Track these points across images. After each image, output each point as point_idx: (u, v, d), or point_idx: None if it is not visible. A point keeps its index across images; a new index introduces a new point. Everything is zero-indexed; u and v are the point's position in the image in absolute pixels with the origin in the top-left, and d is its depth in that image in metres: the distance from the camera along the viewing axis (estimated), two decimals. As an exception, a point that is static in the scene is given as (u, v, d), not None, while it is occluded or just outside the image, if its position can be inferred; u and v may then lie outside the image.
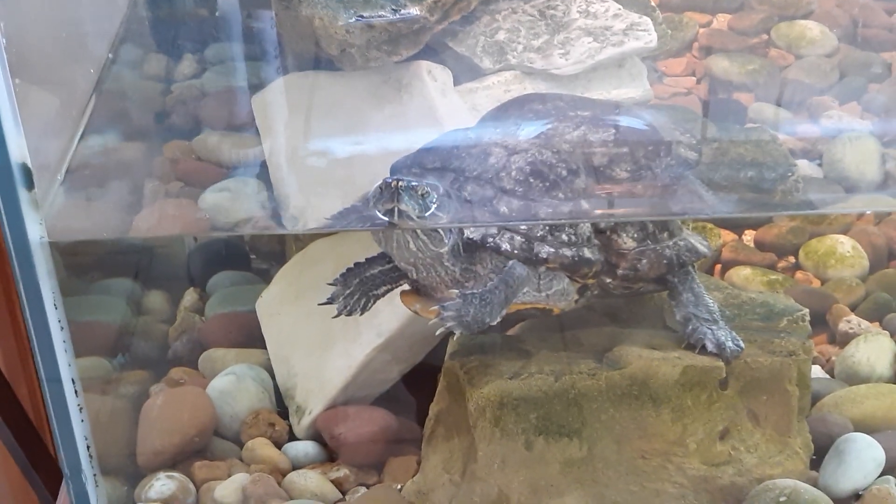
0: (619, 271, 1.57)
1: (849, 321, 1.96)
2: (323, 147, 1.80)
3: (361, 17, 1.73)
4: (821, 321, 2.00)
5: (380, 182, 1.43)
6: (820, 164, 1.91)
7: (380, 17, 1.73)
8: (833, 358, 1.92)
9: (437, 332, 1.49)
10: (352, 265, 1.59)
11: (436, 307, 1.49)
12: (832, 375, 1.90)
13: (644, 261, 1.57)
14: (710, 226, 2.09)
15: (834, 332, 1.98)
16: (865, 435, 1.70)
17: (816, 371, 1.89)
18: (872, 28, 2.24)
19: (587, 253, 1.53)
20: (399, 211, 1.41)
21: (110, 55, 1.80)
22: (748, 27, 2.25)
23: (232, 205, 1.78)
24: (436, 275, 1.53)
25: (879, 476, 1.67)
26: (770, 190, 1.65)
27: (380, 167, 1.70)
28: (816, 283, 2.10)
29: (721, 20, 2.29)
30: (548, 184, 1.50)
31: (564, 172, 1.51)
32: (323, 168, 1.77)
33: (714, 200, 1.61)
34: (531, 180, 1.50)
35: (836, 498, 1.64)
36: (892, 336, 1.93)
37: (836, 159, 1.88)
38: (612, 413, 1.55)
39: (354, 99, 1.80)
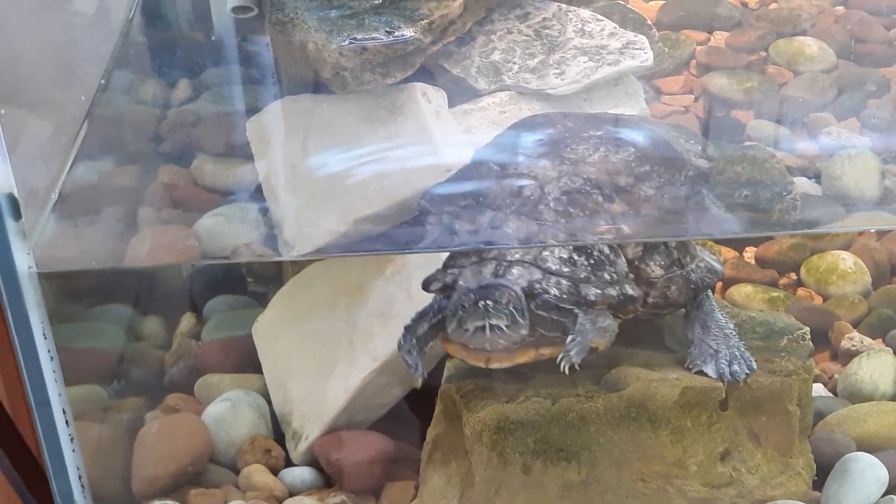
0: (650, 300, 1.57)
1: (851, 338, 1.95)
2: (317, 171, 1.79)
3: (355, 39, 1.72)
4: (823, 338, 1.98)
5: (457, 297, 1.49)
6: (819, 182, 1.90)
7: (373, 39, 1.72)
8: (836, 376, 1.90)
9: (564, 368, 1.48)
10: (403, 330, 1.58)
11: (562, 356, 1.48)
12: (835, 393, 1.88)
13: (673, 287, 1.57)
14: (709, 243, 2.08)
15: (836, 349, 1.96)
16: (868, 454, 1.68)
17: (819, 389, 1.87)
18: (871, 43, 2.23)
19: (629, 290, 1.54)
20: (491, 326, 1.46)
21: (103, 81, 1.79)
22: (746, 44, 2.24)
23: (227, 231, 1.76)
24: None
25: (883, 496, 1.65)
26: (767, 209, 1.64)
27: (374, 190, 1.69)
28: (818, 300, 2.08)
29: (718, 38, 2.28)
30: (588, 212, 1.51)
31: (600, 198, 1.51)
32: (316, 192, 1.76)
33: (724, 214, 1.61)
34: (571, 210, 1.51)
35: (840, 519, 1.62)
36: (895, 353, 1.91)
37: (835, 176, 1.87)
38: (611, 436, 1.53)
39: (349, 122, 1.79)
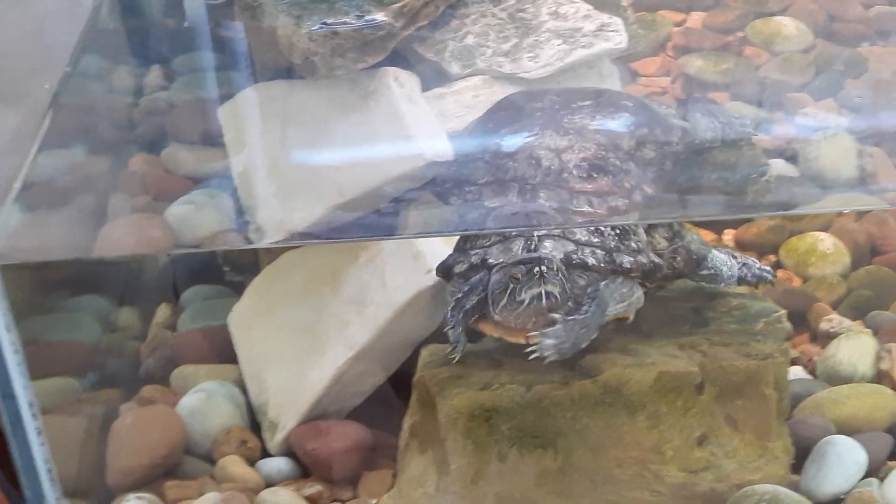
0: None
1: (830, 320, 1.94)
2: (289, 158, 1.77)
3: (325, 24, 1.70)
4: (802, 320, 1.98)
5: (504, 271, 1.48)
6: (796, 163, 1.89)
7: (344, 24, 1.70)
8: (815, 358, 1.89)
9: (532, 358, 1.49)
10: (453, 302, 1.56)
11: (534, 334, 1.49)
12: (814, 376, 1.87)
13: (678, 258, 1.60)
14: (687, 225, 2.06)
15: (815, 331, 1.96)
16: (847, 437, 1.68)
17: (798, 372, 1.86)
18: (849, 22, 2.22)
19: (654, 258, 1.56)
20: (546, 293, 1.45)
21: (68, 69, 1.76)
22: (723, 24, 2.22)
23: (197, 218, 1.74)
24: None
25: (862, 479, 1.64)
26: (740, 192, 1.63)
27: (346, 177, 1.67)
28: (798, 282, 2.08)
29: (695, 18, 2.26)
30: (611, 174, 1.51)
31: (617, 162, 1.52)
32: (288, 179, 1.74)
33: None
34: (595, 175, 1.50)
35: (818, 502, 1.61)
36: (874, 334, 1.90)
37: (812, 157, 1.85)
38: (587, 422, 1.52)
39: (320, 108, 1.77)
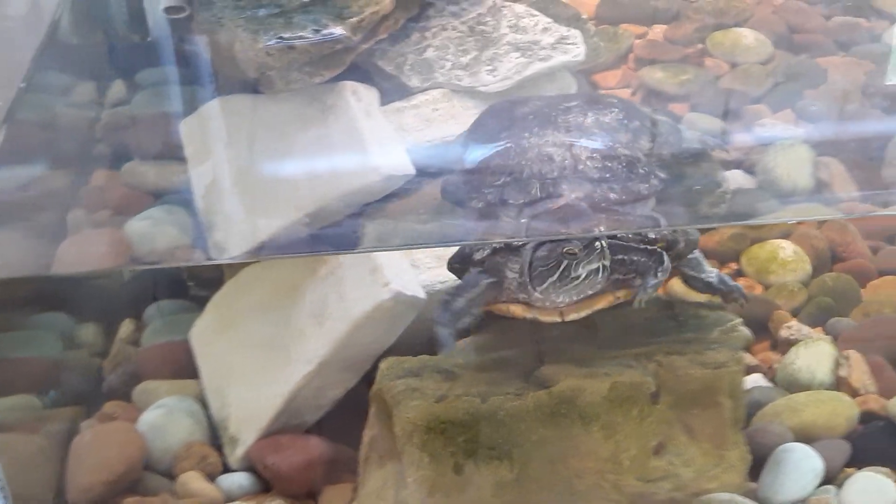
0: None
1: (789, 327, 1.95)
2: (248, 172, 1.78)
3: (281, 38, 1.70)
4: (763, 328, 1.99)
5: (549, 250, 1.47)
6: (753, 174, 1.90)
7: (300, 38, 1.70)
8: (775, 365, 1.90)
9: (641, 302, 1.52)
10: (442, 306, 1.55)
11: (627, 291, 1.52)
12: (774, 383, 1.88)
13: (681, 240, 1.60)
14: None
15: (776, 338, 1.97)
16: (803, 445, 1.69)
17: (758, 379, 1.87)
18: (809, 33, 2.23)
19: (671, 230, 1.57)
20: (603, 267, 1.47)
21: (23, 84, 1.76)
22: (683, 37, 2.24)
23: (156, 233, 1.74)
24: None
25: (819, 486, 1.65)
26: (695, 202, 1.64)
27: (305, 191, 1.68)
28: (759, 289, 2.09)
29: (657, 31, 2.28)
30: (624, 163, 1.52)
31: (626, 151, 1.53)
32: (248, 194, 1.74)
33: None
34: (609, 164, 1.51)
35: (775, 510, 1.62)
36: (833, 341, 1.91)
37: (769, 168, 1.87)
38: (542, 433, 1.52)
39: (279, 122, 1.78)
